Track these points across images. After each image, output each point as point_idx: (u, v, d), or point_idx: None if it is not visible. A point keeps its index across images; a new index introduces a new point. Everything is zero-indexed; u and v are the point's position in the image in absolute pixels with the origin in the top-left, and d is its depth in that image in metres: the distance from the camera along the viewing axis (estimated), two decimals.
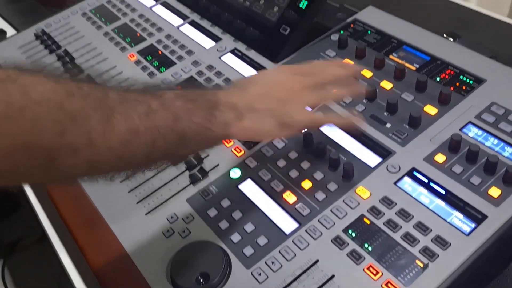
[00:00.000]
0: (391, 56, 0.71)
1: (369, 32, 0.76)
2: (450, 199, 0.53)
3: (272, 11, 0.78)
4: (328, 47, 0.75)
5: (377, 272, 0.48)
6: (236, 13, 0.82)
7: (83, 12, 0.97)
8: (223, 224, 0.56)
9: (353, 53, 0.73)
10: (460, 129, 0.59)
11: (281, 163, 0.61)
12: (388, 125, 0.62)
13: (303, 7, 0.74)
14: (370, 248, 0.50)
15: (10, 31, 1.16)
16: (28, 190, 0.75)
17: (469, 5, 0.84)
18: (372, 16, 0.79)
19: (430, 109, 0.62)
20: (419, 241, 0.50)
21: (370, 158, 0.59)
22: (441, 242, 0.49)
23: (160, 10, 0.92)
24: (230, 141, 0.64)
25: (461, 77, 0.66)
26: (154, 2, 0.95)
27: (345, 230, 0.53)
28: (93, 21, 0.94)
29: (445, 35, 0.86)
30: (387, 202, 0.54)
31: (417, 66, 0.69)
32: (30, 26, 1.15)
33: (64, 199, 0.64)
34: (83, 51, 0.87)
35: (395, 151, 0.59)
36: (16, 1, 1.29)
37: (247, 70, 0.75)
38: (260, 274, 0.51)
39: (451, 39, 0.85)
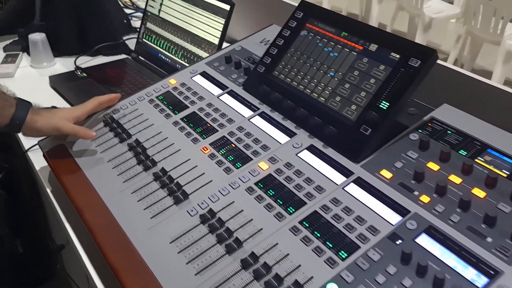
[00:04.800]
0: (477, 160, 0.70)
1: (449, 132, 0.76)
2: None
3: (350, 109, 0.78)
4: (409, 147, 0.75)
5: None
6: (311, 108, 0.83)
7: (150, 99, 0.98)
8: None
9: (437, 155, 0.72)
10: None
11: (381, 279, 0.58)
12: (489, 239, 0.60)
13: (385, 108, 0.74)
14: None
15: None
16: (84, 257, 0.74)
17: None
18: (448, 115, 0.79)
19: None
20: None
21: (477, 277, 0.56)
22: None
23: (228, 100, 0.93)
24: None
25: None
26: (221, 91, 0.96)
27: None
28: (161, 109, 0.95)
29: None
30: None
31: (508, 173, 0.67)
32: None
33: (121, 265, 0.66)
34: (154, 140, 0.87)
35: (502, 271, 0.56)
36: (73, 79, 1.32)
37: (326, 169, 0.74)
38: None
39: None
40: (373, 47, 0.81)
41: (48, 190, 0.94)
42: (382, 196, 0.69)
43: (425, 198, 0.67)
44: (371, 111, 0.75)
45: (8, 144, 1.48)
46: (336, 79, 0.83)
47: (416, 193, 0.68)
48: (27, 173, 1.15)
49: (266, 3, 1.39)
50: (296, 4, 1.29)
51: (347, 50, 0.84)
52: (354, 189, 0.71)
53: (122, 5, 1.83)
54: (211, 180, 0.77)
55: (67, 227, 0.86)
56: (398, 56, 0.77)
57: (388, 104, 0.75)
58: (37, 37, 1.39)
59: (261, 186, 0.74)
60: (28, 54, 1.47)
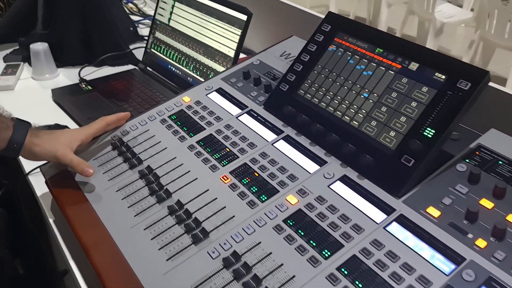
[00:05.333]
0: None
1: (500, 162, 0.67)
2: None
3: (388, 136, 0.70)
4: (457, 180, 0.66)
5: None
6: (342, 133, 0.74)
7: (162, 119, 0.90)
8: None
9: (489, 190, 0.63)
10: None
11: None
12: None
13: (430, 136, 0.66)
14: None
15: (73, 126, 1.10)
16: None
17: None
18: (498, 142, 0.71)
19: None
20: None
21: None
22: None
23: (248, 121, 0.85)
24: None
25: None
26: (240, 111, 0.88)
27: None
28: (174, 130, 0.86)
29: None
30: None
31: None
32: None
33: None
34: (167, 167, 0.79)
35: None
36: (77, 92, 1.24)
37: (364, 205, 0.66)
38: None
39: None
40: (414, 65, 0.72)
41: (51, 220, 0.86)
42: (430, 239, 0.60)
43: (481, 243, 0.58)
44: (414, 139, 0.67)
45: (7, 157, 1.40)
46: (370, 101, 0.74)
47: (470, 236, 0.59)
48: (27, 196, 1.07)
49: (284, 12, 1.31)
50: (317, 14, 1.21)
51: (383, 68, 0.75)
52: (397, 229, 0.62)
53: (128, 11, 1.75)
54: (234, 216, 0.69)
55: (72, 264, 0.78)
56: (443, 77, 0.68)
57: (433, 131, 0.66)
58: (39, 47, 1.31)
59: (291, 223, 0.66)
60: (30, 64, 1.39)
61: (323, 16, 1.21)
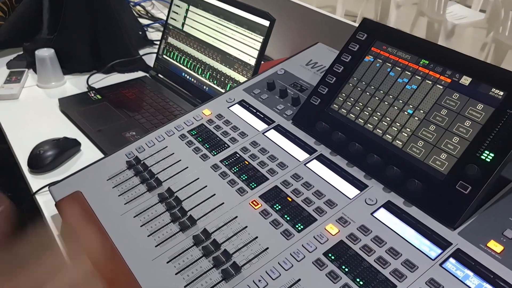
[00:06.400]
0: None
1: None
2: None
3: (439, 158, 0.63)
4: None
5: None
6: (383, 154, 0.67)
7: (181, 134, 0.83)
8: None
9: None
10: None
11: None
12: None
13: (488, 160, 0.59)
14: None
15: (82, 139, 1.03)
16: None
17: None
18: None
19: None
20: None
21: None
22: None
23: (276, 137, 0.78)
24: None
25: None
26: (266, 126, 0.81)
27: None
28: (195, 148, 0.79)
29: None
30: None
31: None
32: (103, 134, 1.04)
33: None
34: (189, 190, 0.72)
35: None
36: (85, 102, 1.17)
37: (414, 237, 0.59)
38: None
39: None
40: (466, 80, 0.65)
41: (61, 246, 0.79)
42: (495, 279, 0.53)
43: None
44: (471, 163, 0.60)
45: (9, 167, 1.33)
46: (416, 118, 0.67)
47: None
48: (34, 213, 1.00)
49: (304, 16, 1.24)
50: (341, 19, 1.14)
51: (430, 82, 0.68)
52: (455, 267, 0.55)
53: (136, 15, 1.68)
54: (267, 248, 0.62)
55: None
56: (501, 93, 0.61)
57: (492, 155, 0.59)
58: (45, 54, 1.23)
59: (333, 258, 0.59)
60: (34, 70, 1.32)
61: (347, 22, 1.15)
